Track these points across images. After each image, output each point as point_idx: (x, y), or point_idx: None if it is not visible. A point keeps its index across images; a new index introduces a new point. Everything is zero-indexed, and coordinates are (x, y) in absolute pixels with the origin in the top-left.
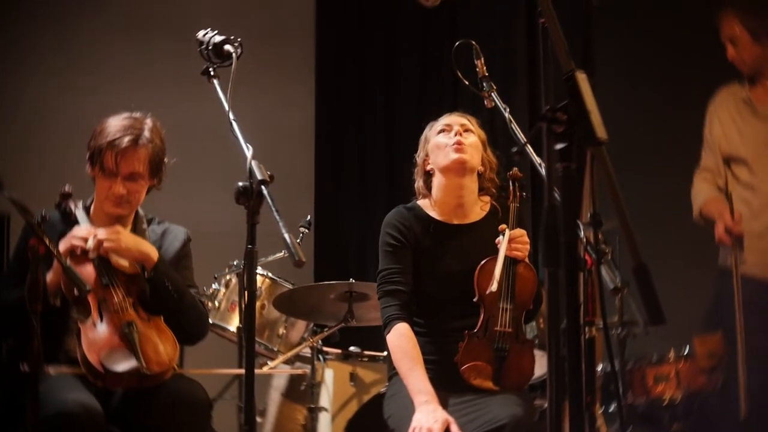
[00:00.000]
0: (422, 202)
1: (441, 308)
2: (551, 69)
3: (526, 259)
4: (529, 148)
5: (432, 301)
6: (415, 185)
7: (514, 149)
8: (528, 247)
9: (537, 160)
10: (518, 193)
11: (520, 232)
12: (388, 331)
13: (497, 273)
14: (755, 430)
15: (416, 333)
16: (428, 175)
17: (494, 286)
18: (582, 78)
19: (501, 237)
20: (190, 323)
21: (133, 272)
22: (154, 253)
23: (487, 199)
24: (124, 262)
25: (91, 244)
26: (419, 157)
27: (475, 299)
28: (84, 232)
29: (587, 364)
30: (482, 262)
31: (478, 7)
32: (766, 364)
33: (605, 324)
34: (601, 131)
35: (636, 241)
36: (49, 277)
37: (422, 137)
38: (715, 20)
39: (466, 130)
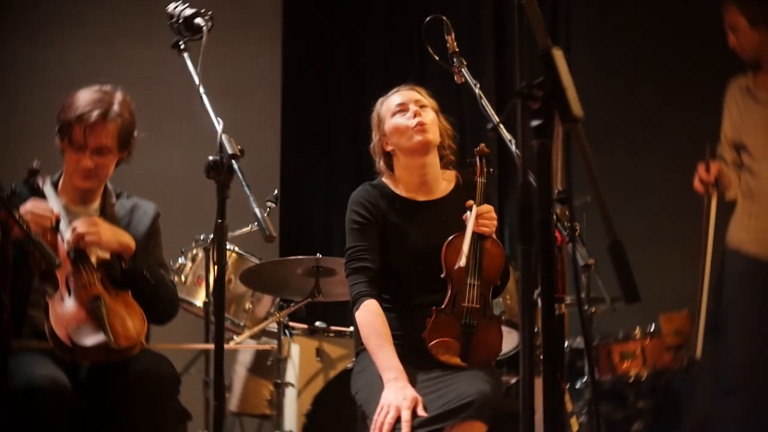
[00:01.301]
0: (387, 180)
1: (408, 284)
2: (526, 46)
3: (494, 235)
4: (501, 125)
5: (399, 278)
6: (376, 165)
7: (489, 126)
8: (495, 222)
9: (508, 136)
10: (485, 169)
11: (487, 207)
12: (357, 308)
13: (465, 248)
14: (742, 398)
15: (384, 309)
16: (388, 155)
17: (462, 262)
18: (559, 55)
19: (468, 213)
20: (163, 306)
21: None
22: (132, 243)
23: (452, 174)
24: (102, 254)
25: (69, 237)
26: (375, 138)
27: (442, 275)
28: (47, 206)
29: (557, 340)
30: (449, 238)
31: None
32: (753, 338)
33: (579, 301)
34: (577, 108)
35: (610, 218)
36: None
37: (374, 115)
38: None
39: (422, 106)
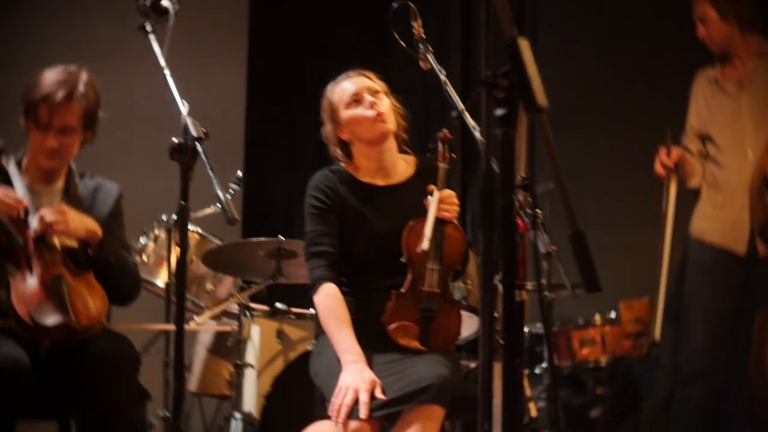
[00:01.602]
0: (345, 166)
1: (368, 268)
2: (492, 35)
3: (455, 220)
4: (466, 113)
5: (359, 261)
6: (332, 153)
7: (453, 114)
8: (457, 208)
9: (472, 124)
10: (447, 155)
11: (449, 193)
12: (316, 292)
13: (427, 232)
14: (701, 385)
15: (343, 293)
16: (344, 144)
17: (425, 245)
18: (524, 45)
19: (430, 197)
20: (126, 288)
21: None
22: (98, 230)
23: (411, 158)
24: (70, 242)
25: (36, 225)
26: (328, 126)
27: (403, 259)
28: (17, 196)
29: (517, 327)
30: (411, 223)
31: None
32: (714, 325)
33: (540, 287)
34: (542, 98)
35: (572, 208)
36: None
37: (325, 103)
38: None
39: (375, 92)
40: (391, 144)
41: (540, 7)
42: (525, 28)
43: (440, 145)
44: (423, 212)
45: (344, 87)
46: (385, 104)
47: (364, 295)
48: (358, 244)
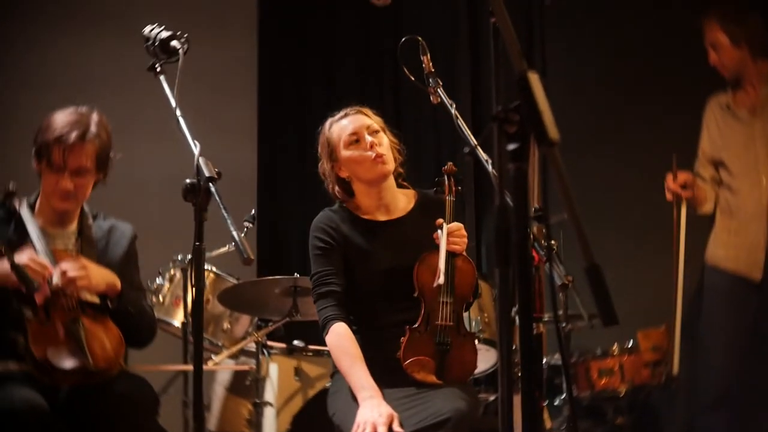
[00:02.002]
0: (346, 204)
1: (377, 305)
2: (501, 68)
3: (464, 253)
4: (479, 148)
5: (367, 299)
6: (330, 191)
7: (466, 150)
8: (466, 240)
9: (485, 157)
10: (454, 188)
11: (457, 225)
12: (326, 333)
13: (441, 266)
14: (725, 411)
15: (355, 331)
16: (343, 182)
17: (441, 279)
18: (534, 78)
19: (439, 231)
20: (144, 333)
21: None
22: (118, 283)
23: (410, 192)
24: (91, 297)
25: (57, 280)
26: (326, 164)
27: (415, 294)
28: (43, 262)
29: (536, 360)
30: (422, 257)
31: (420, 3)
32: (734, 350)
33: (556, 319)
34: (553, 132)
35: (587, 241)
36: None
37: (323, 140)
38: (697, 23)
39: (374, 132)
40: (390, 181)
41: (549, 38)
42: (534, 61)
43: (446, 179)
44: (426, 244)
45: (343, 125)
46: (385, 143)
47: (375, 332)
48: (364, 280)
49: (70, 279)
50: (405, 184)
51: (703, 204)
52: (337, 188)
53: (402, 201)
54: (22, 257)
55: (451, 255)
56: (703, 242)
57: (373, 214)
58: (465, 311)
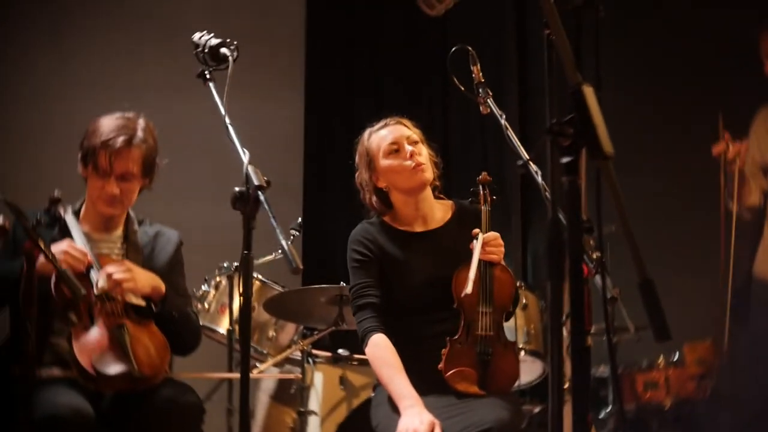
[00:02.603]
0: (383, 216)
1: (417, 316)
2: (555, 80)
3: (502, 262)
4: (530, 162)
5: (407, 310)
6: (367, 201)
7: (519, 162)
8: (502, 249)
9: (535, 169)
10: (489, 197)
11: (493, 235)
12: (366, 344)
13: (471, 275)
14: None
15: (395, 343)
16: (381, 192)
17: (469, 288)
18: (589, 91)
19: (475, 241)
20: (188, 339)
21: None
22: (162, 286)
23: (447, 203)
24: (137, 300)
25: (104, 283)
26: (365, 174)
27: (454, 305)
28: (82, 249)
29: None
30: (460, 268)
31: (467, 13)
32: None
33: (608, 332)
34: (607, 145)
35: (641, 256)
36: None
37: (361, 150)
38: (752, 35)
39: (414, 142)
40: (428, 192)
41: (603, 51)
42: (587, 73)
43: (481, 188)
44: (463, 255)
45: (382, 135)
46: (424, 154)
47: (416, 343)
48: (402, 292)
49: (116, 281)
50: (441, 196)
51: (750, 196)
52: (374, 199)
53: (439, 212)
54: (61, 245)
55: (488, 265)
56: (743, 254)
57: (410, 225)
58: (506, 321)
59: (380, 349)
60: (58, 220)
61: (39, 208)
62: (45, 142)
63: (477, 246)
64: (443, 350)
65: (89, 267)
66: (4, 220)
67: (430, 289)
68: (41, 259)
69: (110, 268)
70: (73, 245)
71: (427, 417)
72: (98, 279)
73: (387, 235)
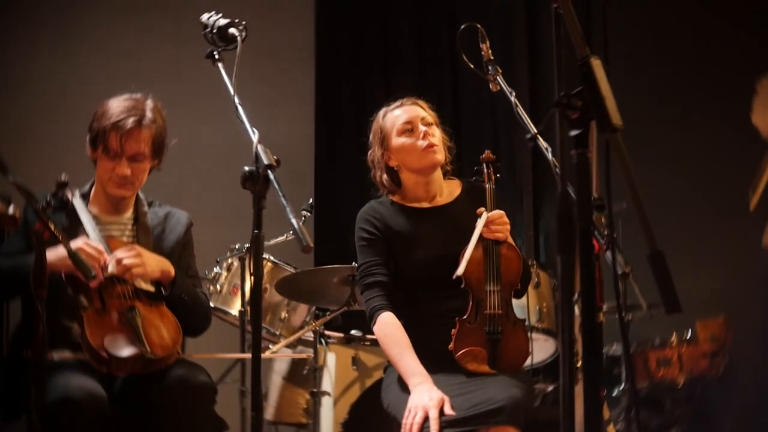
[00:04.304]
0: (391, 196)
1: (426, 292)
2: (563, 54)
3: (508, 239)
4: (539, 136)
5: (415, 286)
6: (377, 179)
7: (527, 136)
8: (508, 227)
9: (545, 145)
10: (493, 176)
11: (498, 213)
12: (374, 323)
13: (466, 255)
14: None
15: (405, 323)
16: (391, 171)
17: (460, 269)
18: (597, 64)
19: (479, 220)
20: (197, 321)
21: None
22: (171, 270)
23: (455, 182)
24: (146, 285)
25: (113, 269)
26: (377, 151)
27: (462, 285)
28: (98, 247)
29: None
30: (466, 246)
31: None
32: None
33: (620, 309)
34: (616, 118)
35: (650, 228)
36: (51, 255)
37: (375, 127)
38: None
39: (428, 124)
40: (438, 173)
41: (610, 24)
42: (595, 46)
43: (485, 167)
44: (472, 232)
45: (397, 114)
46: (437, 136)
47: (425, 321)
48: (409, 269)
49: (125, 266)
50: (452, 177)
51: None
52: (384, 177)
53: (447, 190)
54: (77, 242)
55: (494, 243)
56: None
57: (418, 203)
58: (517, 298)
59: (388, 327)
60: (66, 203)
61: (47, 192)
62: (51, 124)
63: (479, 224)
64: (453, 330)
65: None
66: (15, 209)
67: (438, 265)
68: (52, 253)
69: (119, 253)
70: (89, 243)
71: (437, 393)
72: (108, 263)
73: (395, 212)
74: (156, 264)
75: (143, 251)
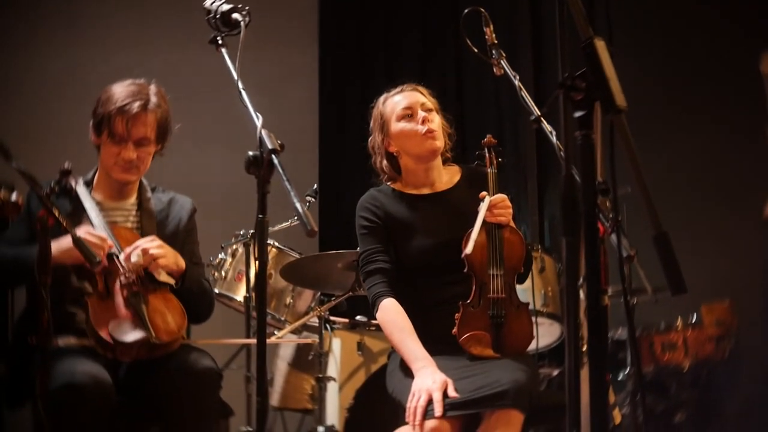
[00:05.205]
0: (391, 183)
1: (428, 278)
2: (566, 35)
3: (511, 223)
4: (543, 120)
5: (418, 273)
6: (377, 165)
7: (531, 118)
8: (510, 211)
9: (549, 128)
10: (495, 160)
11: (501, 197)
12: (376, 309)
13: (473, 235)
14: None
15: (408, 309)
16: (391, 156)
17: (469, 248)
18: (601, 45)
19: (481, 203)
20: (202, 309)
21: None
22: (182, 262)
23: (454, 168)
24: (167, 278)
25: (138, 259)
26: (377, 137)
27: (465, 270)
28: (101, 235)
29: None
30: (468, 232)
31: None
32: None
33: (625, 292)
34: (620, 99)
35: (655, 210)
36: (55, 248)
37: (376, 113)
38: None
39: (428, 110)
40: (438, 160)
41: (614, 5)
42: (599, 27)
43: (486, 151)
44: (473, 217)
45: (397, 100)
46: (437, 122)
47: (427, 308)
48: (410, 255)
49: (153, 256)
50: (451, 164)
51: None
52: (384, 163)
53: (446, 176)
54: (79, 231)
55: (497, 227)
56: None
57: (418, 189)
58: (520, 283)
59: (391, 313)
60: (69, 191)
61: (50, 180)
62: (54, 112)
63: (482, 208)
64: (456, 315)
65: (110, 255)
66: (18, 196)
67: (440, 251)
68: (56, 247)
69: (145, 243)
70: (92, 232)
71: (440, 377)
72: (131, 253)
73: (395, 199)
74: (173, 255)
75: (162, 243)
